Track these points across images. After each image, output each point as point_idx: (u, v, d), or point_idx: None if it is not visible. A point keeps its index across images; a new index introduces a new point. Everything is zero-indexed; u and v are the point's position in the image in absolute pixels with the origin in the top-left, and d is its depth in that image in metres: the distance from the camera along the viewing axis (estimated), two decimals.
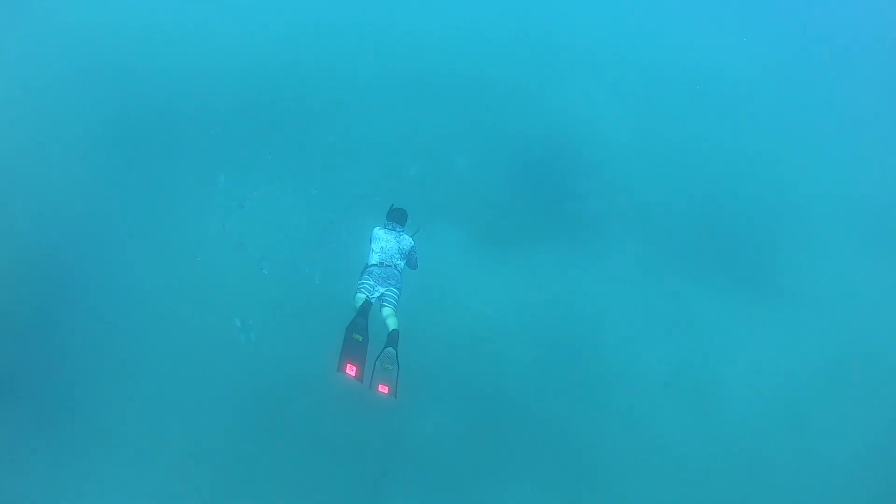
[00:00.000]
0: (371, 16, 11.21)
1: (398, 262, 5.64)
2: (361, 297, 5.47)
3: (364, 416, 6.80)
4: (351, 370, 5.12)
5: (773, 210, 10.12)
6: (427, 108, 10.11)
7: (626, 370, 8.14)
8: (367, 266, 5.62)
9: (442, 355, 7.73)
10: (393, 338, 5.28)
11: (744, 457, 7.67)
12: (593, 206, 9.66)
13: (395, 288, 5.51)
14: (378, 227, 5.83)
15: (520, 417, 7.56)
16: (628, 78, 11.21)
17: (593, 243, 9.24)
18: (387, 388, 5.17)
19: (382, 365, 5.15)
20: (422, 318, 7.73)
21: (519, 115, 10.33)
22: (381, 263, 5.52)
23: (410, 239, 5.85)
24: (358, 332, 5.15)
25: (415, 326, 7.47)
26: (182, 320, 7.44)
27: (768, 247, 9.68)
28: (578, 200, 9.68)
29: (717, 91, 11.45)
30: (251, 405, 7.09)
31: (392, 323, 5.42)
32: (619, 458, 7.47)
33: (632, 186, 9.98)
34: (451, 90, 10.40)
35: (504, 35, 11.31)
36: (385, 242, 5.68)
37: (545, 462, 7.37)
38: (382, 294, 5.47)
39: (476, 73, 10.65)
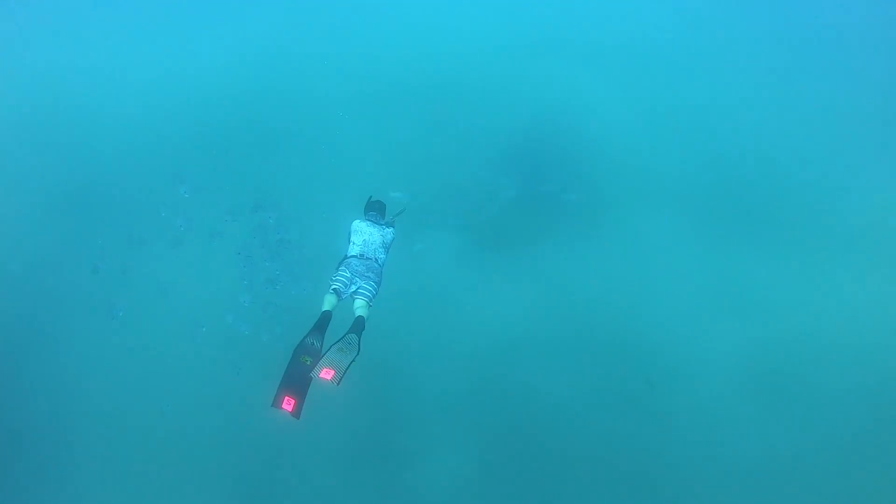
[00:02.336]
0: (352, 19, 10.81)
1: (380, 255, 5.48)
2: (331, 298, 5.19)
3: (368, 461, 5.99)
4: (288, 405, 4.54)
5: (790, 164, 9.31)
6: (416, 112, 9.61)
7: (680, 360, 7.08)
8: (345, 257, 5.41)
9: (462, 381, 6.81)
10: (358, 324, 4.99)
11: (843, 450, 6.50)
12: (605, 191, 8.90)
13: (374, 282, 5.29)
14: (358, 220, 5.64)
15: (567, 445, 6.40)
16: (617, 57, 10.70)
17: (612, 229, 8.43)
18: (331, 373, 4.52)
19: (340, 347, 4.68)
20: (433, 340, 6.98)
21: (508, 107, 9.78)
22: (362, 255, 5.36)
23: (392, 231, 5.70)
24: (307, 354, 4.72)
25: (426, 350, 6.82)
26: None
27: (796, 199, 8.85)
28: (588, 187, 8.94)
29: (714, 54, 10.82)
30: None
31: (362, 310, 5.15)
32: (694, 474, 6.28)
33: (641, 164, 9.22)
34: (440, 90, 9.91)
35: (494, 32, 10.89)
36: (368, 235, 5.51)
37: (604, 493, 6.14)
38: (358, 287, 5.25)
39: (462, 70, 10.19)
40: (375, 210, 5.76)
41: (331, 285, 5.25)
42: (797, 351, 7.18)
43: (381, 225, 5.66)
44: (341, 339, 4.76)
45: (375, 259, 5.37)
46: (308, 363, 4.63)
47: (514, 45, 10.50)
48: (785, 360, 7.13)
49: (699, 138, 9.53)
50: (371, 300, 5.20)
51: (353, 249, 5.40)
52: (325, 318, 4.98)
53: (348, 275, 5.24)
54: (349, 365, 4.56)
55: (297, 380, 4.62)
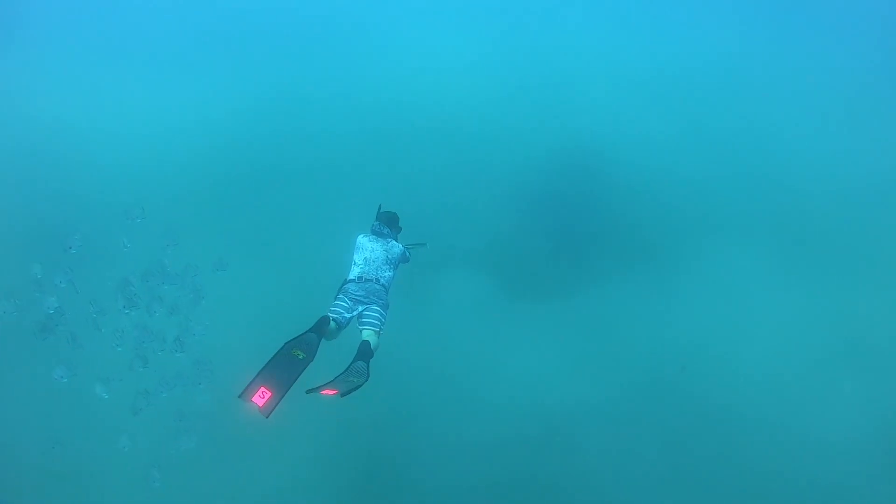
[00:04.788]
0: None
1: (384, 273, 5.05)
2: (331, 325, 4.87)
3: None
4: (260, 398, 4.06)
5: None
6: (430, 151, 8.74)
7: (791, 433, 5.64)
8: (343, 283, 5.05)
9: (497, 469, 5.57)
10: (364, 350, 4.55)
11: None
12: (660, 225, 7.77)
13: (378, 306, 4.88)
14: (362, 235, 5.23)
15: None
16: (647, 80, 9.79)
17: (676, 269, 7.22)
18: (334, 391, 4.23)
19: (347, 378, 4.27)
20: (458, 416, 5.94)
21: (544, 140, 8.88)
22: (361, 278, 4.96)
23: (400, 245, 5.27)
24: (302, 349, 4.30)
25: (450, 429, 5.72)
26: None
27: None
28: (632, 221, 7.86)
29: (748, 73, 9.84)
30: None
31: (369, 336, 4.74)
32: None
33: (704, 190, 8.10)
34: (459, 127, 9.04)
35: (519, 64, 10.08)
36: (370, 252, 5.08)
37: None
38: (361, 313, 4.85)
39: (483, 105, 9.36)
40: (385, 221, 5.34)
41: (329, 316, 4.82)
42: None
43: (387, 238, 5.22)
44: (346, 369, 4.32)
45: (377, 280, 4.97)
46: (301, 357, 4.26)
47: (538, 76, 9.79)
48: None
49: (767, 161, 8.40)
50: (379, 328, 4.83)
51: (353, 271, 5.05)
52: (324, 321, 4.56)
53: (347, 303, 4.87)
54: (357, 387, 4.26)
55: (280, 373, 4.19)
